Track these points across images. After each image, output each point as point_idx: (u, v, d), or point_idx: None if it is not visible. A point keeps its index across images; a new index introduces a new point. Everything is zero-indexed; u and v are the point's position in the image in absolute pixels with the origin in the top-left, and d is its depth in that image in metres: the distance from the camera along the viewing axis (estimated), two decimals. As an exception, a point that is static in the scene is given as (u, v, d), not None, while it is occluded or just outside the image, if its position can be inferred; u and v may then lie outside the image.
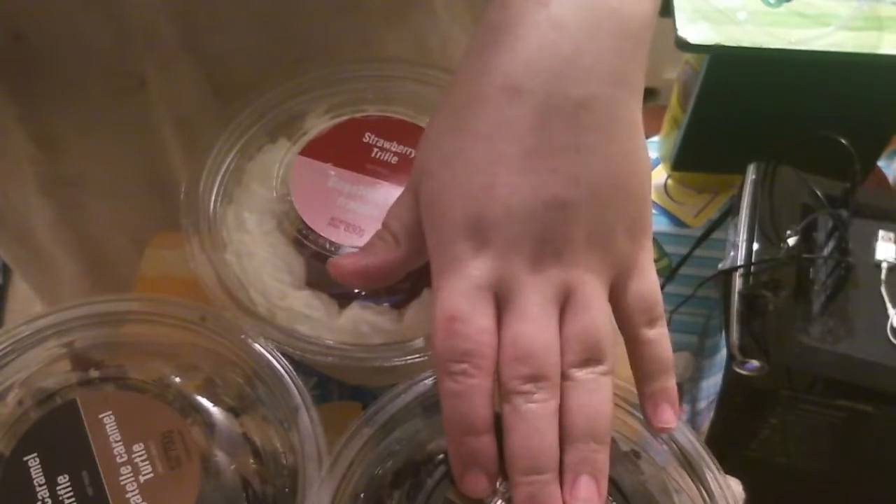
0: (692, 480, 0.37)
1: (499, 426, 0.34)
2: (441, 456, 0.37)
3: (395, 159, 0.45)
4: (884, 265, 0.57)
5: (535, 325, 0.33)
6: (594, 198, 0.34)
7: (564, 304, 0.34)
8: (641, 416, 0.37)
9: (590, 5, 0.35)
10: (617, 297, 0.35)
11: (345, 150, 0.46)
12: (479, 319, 0.33)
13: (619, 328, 0.36)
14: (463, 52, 0.37)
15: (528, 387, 0.33)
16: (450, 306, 0.33)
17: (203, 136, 0.47)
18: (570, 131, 0.34)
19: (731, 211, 0.63)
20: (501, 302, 0.34)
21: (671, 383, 0.36)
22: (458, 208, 0.34)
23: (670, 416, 0.35)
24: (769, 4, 0.66)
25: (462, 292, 0.33)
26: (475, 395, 0.33)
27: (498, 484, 0.35)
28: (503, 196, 0.33)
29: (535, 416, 0.33)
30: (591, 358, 0.34)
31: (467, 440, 0.33)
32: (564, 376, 0.34)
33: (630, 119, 0.35)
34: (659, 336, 0.36)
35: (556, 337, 0.34)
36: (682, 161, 0.77)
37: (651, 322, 0.36)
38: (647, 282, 0.36)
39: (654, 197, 0.81)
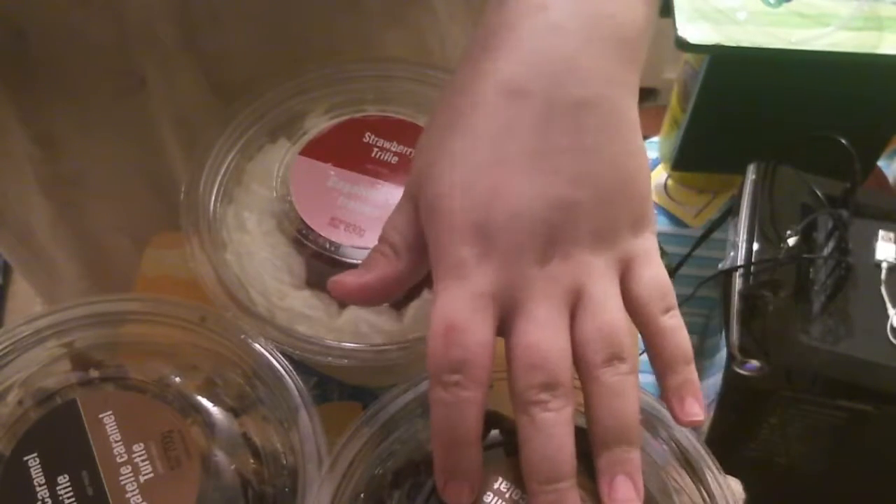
0: (692, 480, 0.37)
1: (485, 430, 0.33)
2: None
3: (395, 159, 0.45)
4: (884, 265, 0.57)
5: (547, 330, 0.33)
6: (599, 196, 0.34)
7: (576, 305, 0.34)
8: (641, 416, 0.37)
9: (587, 12, 0.35)
10: (629, 289, 0.35)
11: (345, 150, 0.46)
12: (479, 330, 0.32)
13: (635, 321, 0.35)
14: (460, 56, 0.37)
15: (543, 395, 0.32)
16: (449, 315, 0.32)
17: (203, 135, 0.46)
18: (573, 131, 0.34)
19: (731, 211, 0.63)
20: (508, 309, 0.33)
21: (694, 375, 0.35)
22: (461, 213, 0.33)
23: (697, 410, 0.34)
24: (769, 4, 0.66)
25: (463, 300, 0.32)
26: (467, 408, 0.32)
27: (498, 484, 0.35)
28: (508, 199, 0.33)
29: (553, 425, 0.32)
30: (615, 356, 0.33)
31: (454, 451, 0.33)
32: (589, 378, 0.33)
33: (629, 118, 0.35)
34: (677, 324, 0.35)
35: (569, 342, 0.33)
36: (682, 161, 0.77)
37: (667, 310, 0.35)
38: (659, 270, 0.35)
39: (654, 197, 0.81)
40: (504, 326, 0.33)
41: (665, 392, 0.35)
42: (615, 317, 0.34)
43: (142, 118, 0.55)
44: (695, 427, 0.37)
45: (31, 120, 0.55)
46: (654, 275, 0.35)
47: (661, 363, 0.35)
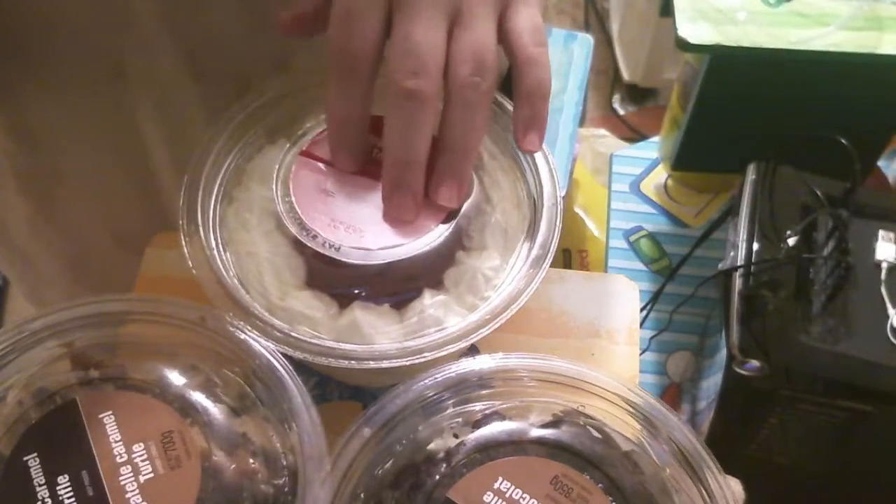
0: (692, 480, 0.37)
1: None
2: (441, 455, 0.37)
3: (395, 159, 0.45)
4: (884, 265, 0.57)
5: (422, 25, 0.37)
6: None
7: (454, 21, 0.38)
8: (641, 416, 0.37)
9: None
10: (506, 24, 0.40)
11: (345, 150, 0.45)
12: (371, 18, 0.38)
13: (507, 52, 0.40)
14: None
15: (412, 83, 0.37)
16: (346, 2, 0.38)
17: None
18: None
19: (731, 211, 0.63)
20: (395, 6, 0.38)
21: (545, 112, 0.41)
22: None
23: (536, 144, 0.41)
24: (769, 4, 0.66)
25: None
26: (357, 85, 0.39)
27: (498, 484, 0.35)
28: None
29: (415, 111, 0.38)
30: (477, 71, 0.38)
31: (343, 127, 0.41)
32: (452, 91, 0.38)
33: None
34: (546, 60, 0.40)
35: (443, 43, 0.38)
36: (682, 161, 0.77)
37: (539, 44, 0.40)
38: (535, 11, 0.40)
39: (654, 197, 0.81)
40: (390, 26, 0.38)
41: (515, 120, 0.41)
42: (487, 38, 0.39)
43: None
44: (695, 427, 0.37)
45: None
46: (531, 14, 0.40)
47: (520, 92, 0.40)
